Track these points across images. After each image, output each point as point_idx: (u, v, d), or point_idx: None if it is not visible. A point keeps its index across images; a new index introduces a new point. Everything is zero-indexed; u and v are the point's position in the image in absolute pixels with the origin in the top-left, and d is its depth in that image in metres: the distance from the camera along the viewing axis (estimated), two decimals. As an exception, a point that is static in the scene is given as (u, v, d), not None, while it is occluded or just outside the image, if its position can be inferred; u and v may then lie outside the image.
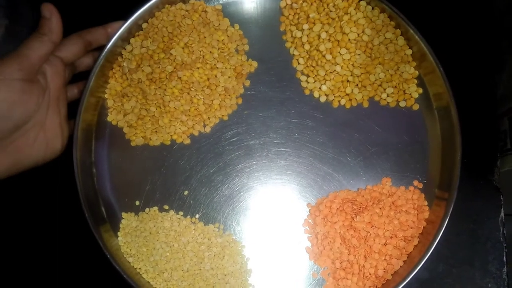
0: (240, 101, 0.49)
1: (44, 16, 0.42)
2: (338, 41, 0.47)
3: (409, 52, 0.48)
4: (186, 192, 0.48)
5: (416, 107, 0.48)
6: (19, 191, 0.49)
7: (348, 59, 0.48)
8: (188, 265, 0.45)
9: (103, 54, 0.46)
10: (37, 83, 0.41)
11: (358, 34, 0.47)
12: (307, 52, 0.49)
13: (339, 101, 0.49)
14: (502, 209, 0.49)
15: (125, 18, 0.46)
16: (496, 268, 0.48)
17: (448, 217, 0.43)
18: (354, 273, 0.45)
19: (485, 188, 0.50)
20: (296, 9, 0.49)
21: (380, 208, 0.46)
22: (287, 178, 0.48)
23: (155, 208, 0.47)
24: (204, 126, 0.49)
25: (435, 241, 0.43)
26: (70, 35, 0.44)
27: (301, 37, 0.49)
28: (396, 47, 0.48)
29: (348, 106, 0.49)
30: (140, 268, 0.46)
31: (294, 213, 0.48)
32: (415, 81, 0.48)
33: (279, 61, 0.50)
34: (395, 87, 0.48)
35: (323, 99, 0.49)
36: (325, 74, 0.48)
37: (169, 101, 0.47)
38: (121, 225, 0.47)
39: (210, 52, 0.48)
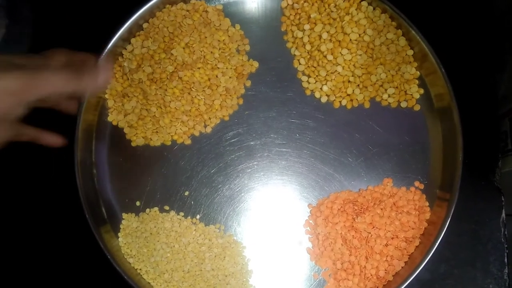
0: (241, 101, 0.49)
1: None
2: (339, 41, 0.47)
3: (411, 52, 0.48)
4: (186, 193, 0.48)
5: (417, 107, 0.48)
6: (20, 192, 0.49)
7: (349, 60, 0.47)
8: (189, 266, 0.45)
9: (103, 54, 0.46)
10: None
11: (359, 35, 0.47)
12: (308, 52, 0.49)
13: (340, 102, 0.49)
14: (503, 210, 0.49)
15: (126, 18, 0.46)
16: (497, 269, 0.48)
17: (449, 218, 0.43)
18: (355, 274, 0.45)
19: (486, 189, 0.49)
20: (297, 9, 0.49)
21: (382, 209, 0.46)
22: (288, 178, 0.48)
23: (156, 208, 0.47)
24: (205, 126, 0.49)
25: (436, 242, 0.43)
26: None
27: (302, 38, 0.48)
28: (397, 48, 0.48)
29: (349, 106, 0.49)
30: (140, 269, 0.46)
31: (295, 213, 0.47)
32: (417, 81, 0.48)
33: (280, 61, 0.49)
34: (397, 87, 0.48)
35: (324, 99, 0.49)
36: (326, 75, 0.48)
37: (170, 102, 0.47)
38: (121, 226, 0.47)
39: (211, 52, 0.48)
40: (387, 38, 0.48)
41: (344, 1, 0.48)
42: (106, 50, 0.46)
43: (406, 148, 0.48)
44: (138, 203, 0.47)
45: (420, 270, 0.43)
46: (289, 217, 0.47)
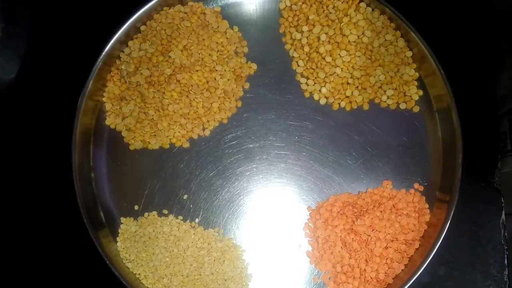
0: (239, 104, 0.49)
1: None
2: (338, 43, 0.47)
3: (409, 54, 0.48)
4: (185, 196, 0.47)
5: (416, 109, 0.48)
6: (18, 196, 0.49)
7: (348, 61, 0.47)
8: (188, 270, 0.45)
9: (101, 57, 0.45)
10: None
11: (358, 36, 0.47)
12: (306, 54, 0.48)
13: (339, 104, 0.48)
14: (503, 212, 0.49)
15: (123, 20, 0.46)
16: (498, 271, 0.48)
17: (449, 220, 0.43)
18: (355, 277, 0.45)
19: (486, 190, 0.49)
20: (296, 11, 0.49)
21: (381, 211, 0.45)
22: (287, 181, 0.48)
23: (154, 212, 0.47)
24: (203, 129, 0.48)
25: (436, 244, 0.43)
26: None
27: (300, 39, 0.48)
28: (396, 49, 0.48)
29: (348, 108, 0.48)
30: (139, 274, 0.45)
31: (294, 216, 0.47)
32: (416, 83, 0.48)
33: (279, 63, 0.49)
34: (395, 89, 0.48)
35: (323, 101, 0.48)
36: (325, 76, 0.48)
37: (168, 104, 0.46)
38: (120, 230, 0.47)
39: (209, 54, 0.47)
40: (385, 40, 0.48)
41: (342, 3, 0.48)
42: (103, 53, 0.45)
43: (405, 150, 0.48)
44: (136, 207, 0.47)
45: (420, 273, 0.43)
46: (288, 220, 0.47)
